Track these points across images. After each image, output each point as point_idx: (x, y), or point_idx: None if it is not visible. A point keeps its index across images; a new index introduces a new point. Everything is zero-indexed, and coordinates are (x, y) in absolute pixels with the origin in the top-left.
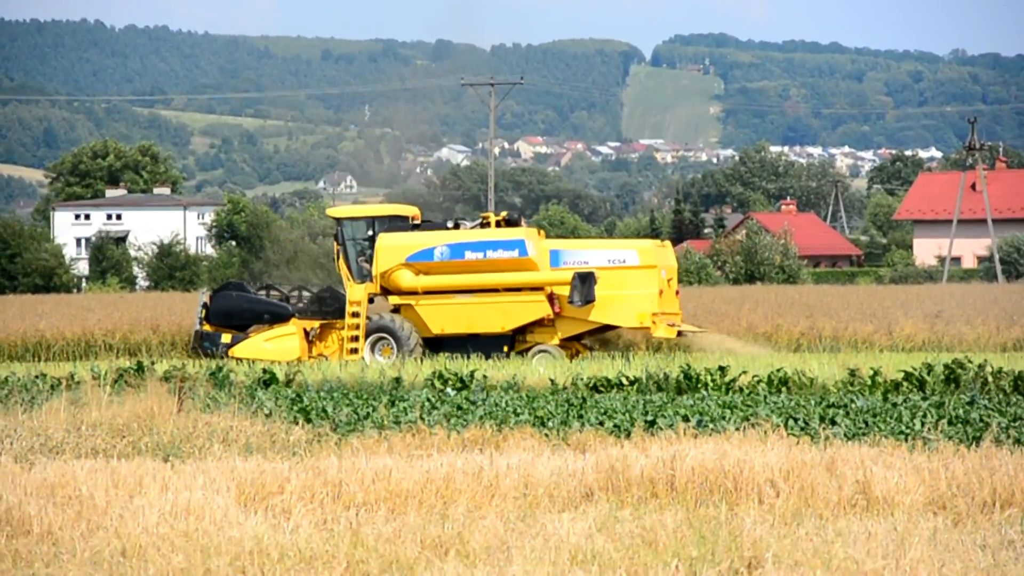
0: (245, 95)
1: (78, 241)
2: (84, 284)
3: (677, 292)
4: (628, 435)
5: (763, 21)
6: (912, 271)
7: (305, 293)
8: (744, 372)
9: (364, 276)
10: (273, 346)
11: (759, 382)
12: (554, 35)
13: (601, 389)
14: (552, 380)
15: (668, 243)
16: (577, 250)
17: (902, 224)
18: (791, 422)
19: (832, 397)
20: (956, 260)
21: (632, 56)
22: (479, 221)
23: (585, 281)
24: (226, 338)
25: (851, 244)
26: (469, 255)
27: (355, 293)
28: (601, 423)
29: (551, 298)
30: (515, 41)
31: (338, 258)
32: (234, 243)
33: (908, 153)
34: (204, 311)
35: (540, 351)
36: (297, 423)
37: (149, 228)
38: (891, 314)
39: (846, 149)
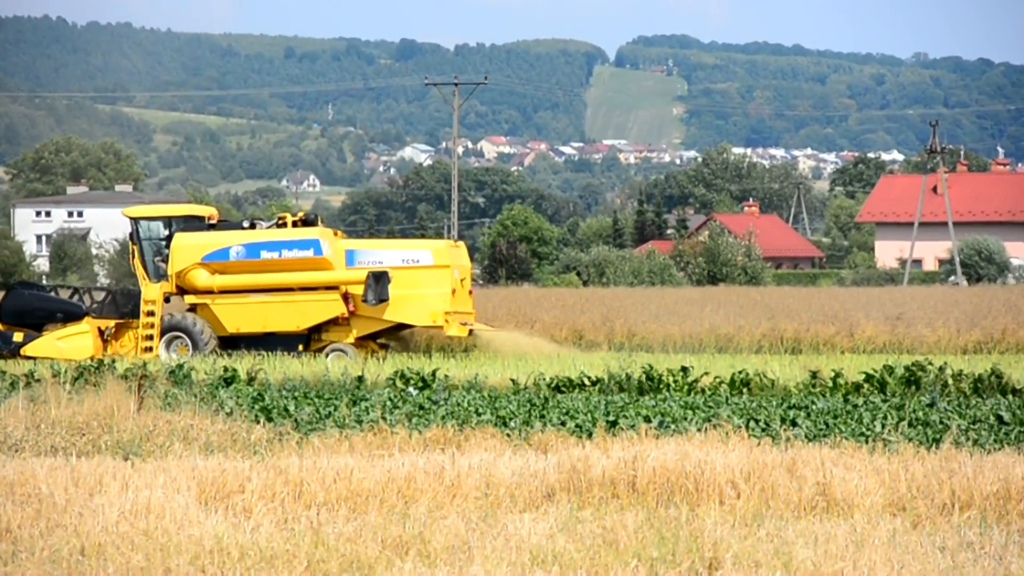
0: (208, 93)
1: (39, 238)
2: (44, 281)
3: (470, 292)
4: (590, 435)
5: (726, 23)
6: (873, 273)
7: (102, 292)
8: (706, 373)
9: (160, 275)
10: (66, 344)
11: (721, 383)
12: (518, 35)
13: (563, 389)
14: (514, 380)
15: (462, 243)
16: (372, 250)
17: (863, 226)
18: (752, 423)
19: (793, 399)
20: (917, 263)
21: (596, 57)
22: (275, 221)
23: (379, 280)
24: (18, 337)
25: (813, 246)
26: (265, 255)
27: (150, 292)
28: (563, 423)
29: (346, 297)
30: (479, 41)
31: (134, 257)
32: None
33: (870, 155)
34: None
35: (334, 350)
36: (258, 422)
37: (111, 225)
38: (852, 316)
39: (808, 151)
